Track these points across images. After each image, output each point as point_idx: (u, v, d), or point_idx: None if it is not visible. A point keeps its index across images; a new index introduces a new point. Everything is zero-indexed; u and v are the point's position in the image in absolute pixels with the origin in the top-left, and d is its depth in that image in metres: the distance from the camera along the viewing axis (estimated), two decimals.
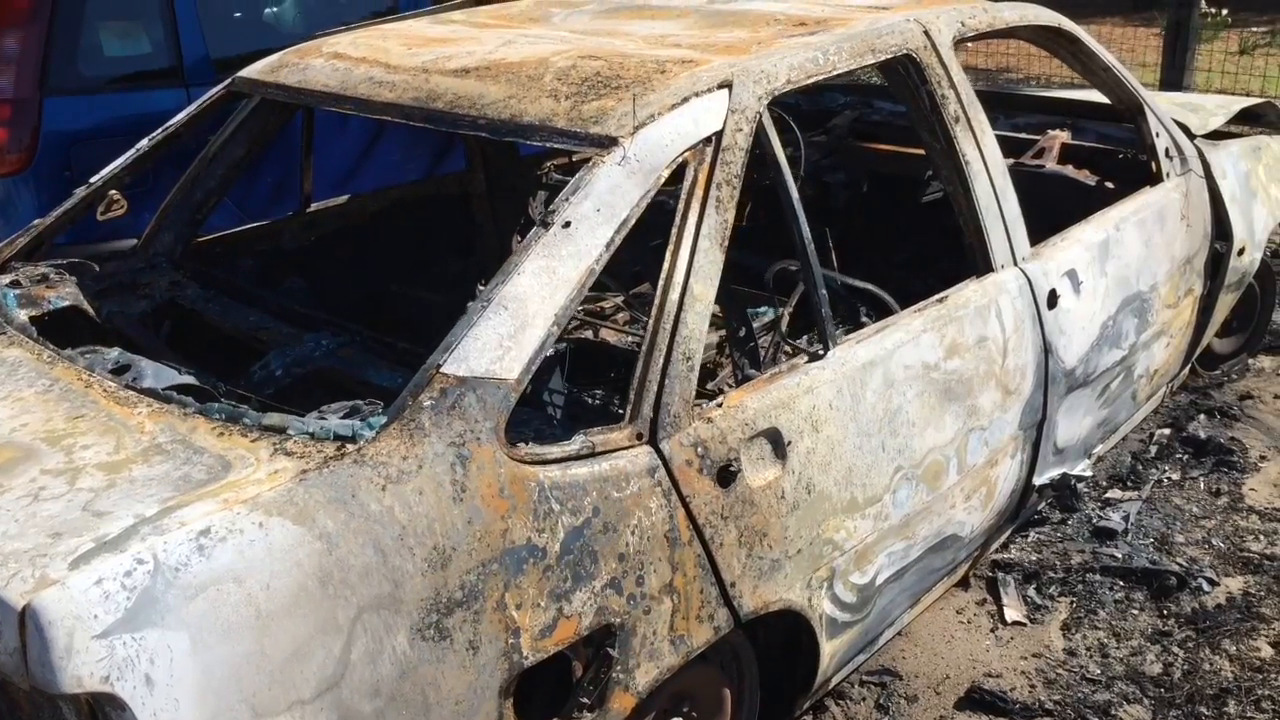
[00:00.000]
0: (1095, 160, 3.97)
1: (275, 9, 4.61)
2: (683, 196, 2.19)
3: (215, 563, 1.58)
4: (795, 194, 2.38)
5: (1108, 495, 3.50)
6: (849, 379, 2.39)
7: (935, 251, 3.87)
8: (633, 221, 2.11)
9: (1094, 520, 3.36)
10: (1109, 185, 3.74)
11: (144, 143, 2.88)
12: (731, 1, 3.18)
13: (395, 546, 1.71)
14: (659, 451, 2.05)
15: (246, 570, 1.59)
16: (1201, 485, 3.55)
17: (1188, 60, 5.80)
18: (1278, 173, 4.17)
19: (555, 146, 2.23)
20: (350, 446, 1.78)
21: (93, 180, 2.83)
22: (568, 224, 2.04)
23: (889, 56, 2.65)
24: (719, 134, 2.26)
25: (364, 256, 3.61)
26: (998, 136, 4.20)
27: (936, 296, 2.68)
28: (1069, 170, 3.88)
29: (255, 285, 3.21)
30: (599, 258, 2.04)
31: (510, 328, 1.92)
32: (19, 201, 3.70)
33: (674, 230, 2.16)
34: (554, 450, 1.93)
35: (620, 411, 2.06)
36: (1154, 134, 3.52)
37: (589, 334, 4.05)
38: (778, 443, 2.25)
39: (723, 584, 2.16)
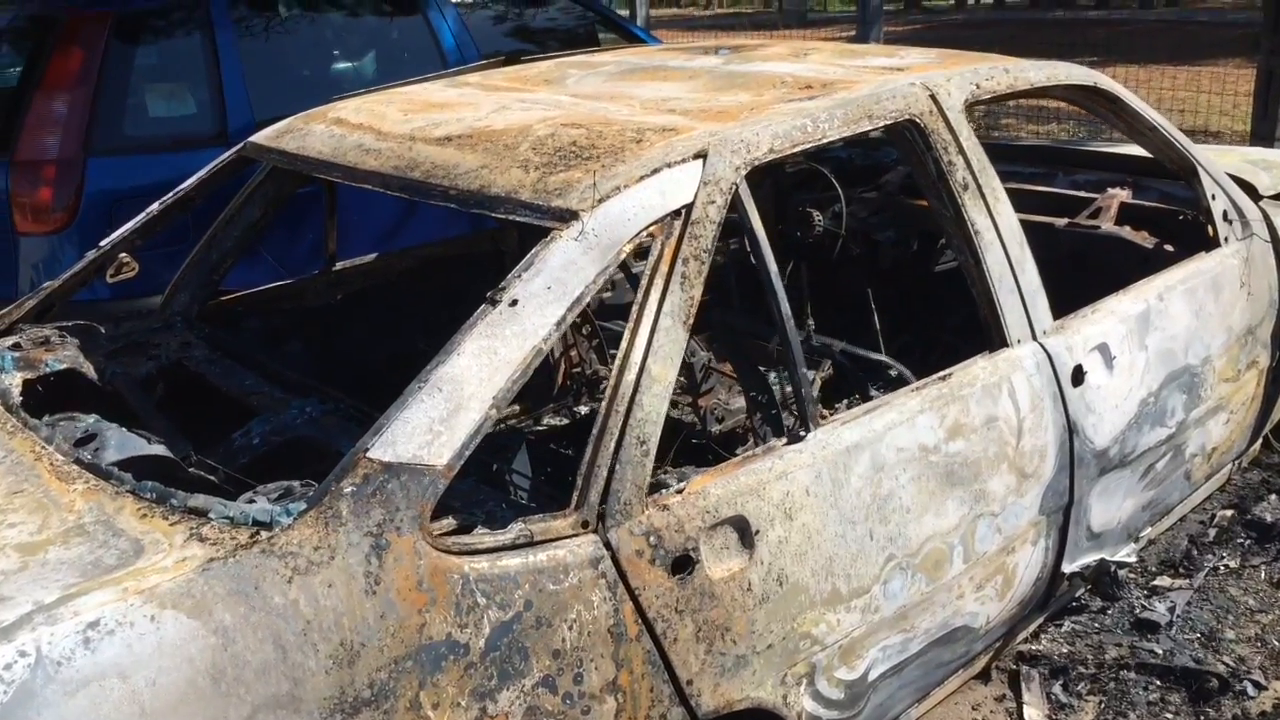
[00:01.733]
0: (1157, 220, 3.74)
1: (338, 65, 4.68)
2: (646, 272, 2.11)
3: (100, 657, 1.54)
4: (773, 267, 2.27)
5: (1155, 582, 3.26)
6: (830, 463, 2.26)
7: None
8: (587, 299, 2.03)
9: (1137, 610, 3.13)
10: (1168, 248, 3.52)
11: (155, 206, 2.92)
12: (750, 63, 3.09)
13: (298, 642, 1.65)
14: (605, 541, 1.96)
15: (133, 665, 1.55)
16: (1262, 574, 3.28)
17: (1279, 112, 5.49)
18: None
19: (519, 220, 2.17)
20: (264, 534, 1.73)
21: (102, 243, 2.88)
22: (515, 302, 1.97)
23: (889, 122, 2.53)
24: (689, 207, 2.18)
25: (391, 316, 3.60)
26: (1054, 195, 4.10)
27: (939, 374, 2.54)
28: (1125, 231, 3.66)
29: (269, 346, 3.23)
30: (547, 337, 1.96)
31: (443, 411, 1.85)
32: (63, 258, 3.80)
33: (635, 307, 2.08)
34: (485, 540, 1.85)
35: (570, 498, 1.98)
36: (1209, 196, 3.31)
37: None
38: (745, 531, 2.13)
39: (677, 681, 2.04)
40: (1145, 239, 3.62)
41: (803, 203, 4.39)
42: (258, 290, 3.38)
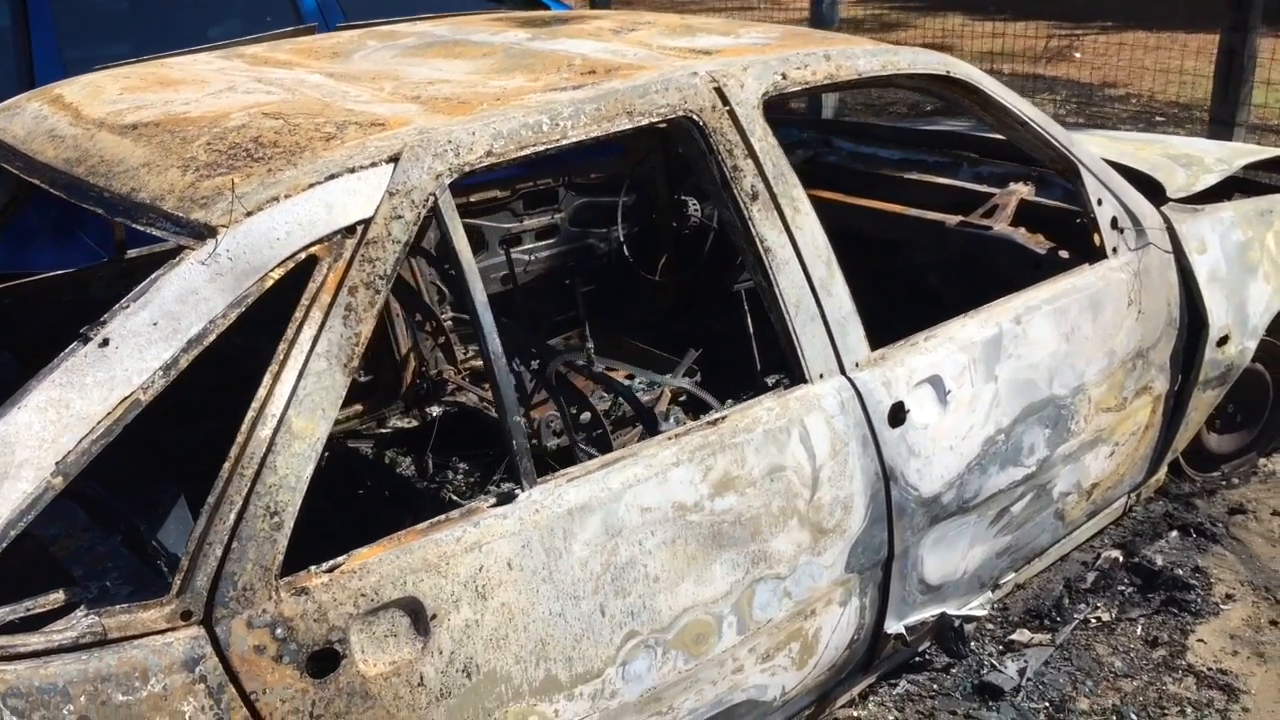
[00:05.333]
0: (1059, 221, 3.32)
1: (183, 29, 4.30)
2: (302, 302, 1.74)
3: None
4: (481, 299, 1.89)
5: (1014, 636, 2.89)
6: (544, 530, 1.90)
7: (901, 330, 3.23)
8: (212, 337, 1.67)
9: (984, 671, 2.76)
10: (1063, 254, 3.11)
11: None
12: (555, 40, 2.69)
13: None
14: (212, 635, 1.61)
15: None
16: (1138, 630, 2.91)
17: (1242, 95, 5.00)
18: None
19: (161, 235, 1.80)
20: None
21: None
22: (106, 342, 1.61)
23: (656, 120, 2.14)
24: (367, 223, 1.80)
25: None
26: (954, 188, 3.68)
27: (707, 418, 2.16)
28: (1019, 235, 3.25)
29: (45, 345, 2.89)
30: (148, 385, 1.61)
31: None
32: None
33: (282, 344, 1.71)
34: (31, 640, 1.51)
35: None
36: (1094, 200, 2.89)
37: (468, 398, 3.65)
38: (418, 616, 1.78)
39: None
40: (1039, 243, 3.20)
41: (685, 189, 4.01)
42: (32, 280, 3.02)
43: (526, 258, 3.94)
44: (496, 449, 3.31)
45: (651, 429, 2.63)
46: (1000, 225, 3.30)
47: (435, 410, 3.72)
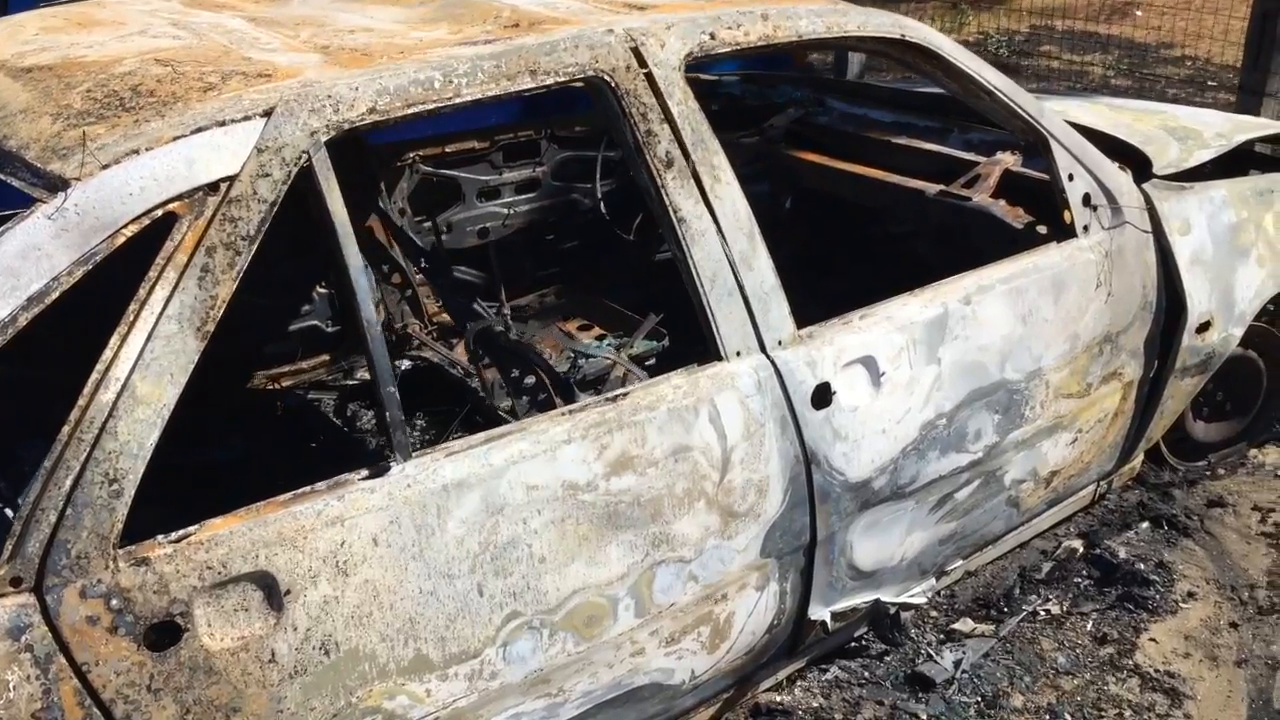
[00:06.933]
0: (1045, 194, 3.17)
1: None
2: (157, 261, 1.67)
3: None
4: (356, 263, 1.81)
5: (955, 626, 2.79)
6: (416, 505, 1.83)
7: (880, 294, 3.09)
8: (53, 296, 1.61)
9: (919, 661, 2.67)
10: (1042, 229, 2.96)
11: None
12: None
13: None
14: (42, 604, 1.57)
15: None
16: (1088, 625, 2.79)
17: (1275, 63, 4.73)
18: None
19: (20, 187, 1.74)
20: None
21: None
22: None
23: (564, 79, 2.03)
24: (231, 180, 1.72)
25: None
26: (941, 155, 3.52)
27: (607, 394, 2.07)
28: (998, 207, 3.10)
29: None
30: None
31: None
32: None
33: (133, 305, 1.65)
34: None
35: None
36: (1065, 175, 2.74)
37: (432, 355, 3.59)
38: (271, 591, 1.72)
39: None
40: (1018, 217, 3.05)
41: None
42: None
43: (505, 211, 3.85)
44: (458, 405, 3.25)
45: (568, 398, 2.55)
46: (980, 196, 3.15)
47: (404, 365, 3.67)
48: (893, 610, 2.64)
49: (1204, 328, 3.02)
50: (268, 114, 1.78)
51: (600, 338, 3.37)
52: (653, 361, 3.14)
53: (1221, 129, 3.34)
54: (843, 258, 3.84)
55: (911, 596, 2.68)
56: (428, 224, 3.63)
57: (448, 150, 3.66)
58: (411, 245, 3.56)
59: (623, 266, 3.96)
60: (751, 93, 4.16)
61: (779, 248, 3.84)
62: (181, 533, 1.68)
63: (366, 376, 3.69)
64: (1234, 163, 3.37)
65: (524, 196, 3.87)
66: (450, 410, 3.40)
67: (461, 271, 3.67)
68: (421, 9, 2.44)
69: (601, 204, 3.78)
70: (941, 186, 3.25)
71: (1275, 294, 3.21)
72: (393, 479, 1.82)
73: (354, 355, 3.65)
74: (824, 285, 3.92)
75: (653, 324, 3.20)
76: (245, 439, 3.30)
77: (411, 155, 3.61)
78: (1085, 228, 2.77)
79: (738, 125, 3.99)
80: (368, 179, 3.51)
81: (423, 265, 3.28)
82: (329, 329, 3.59)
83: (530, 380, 2.93)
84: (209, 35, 2.18)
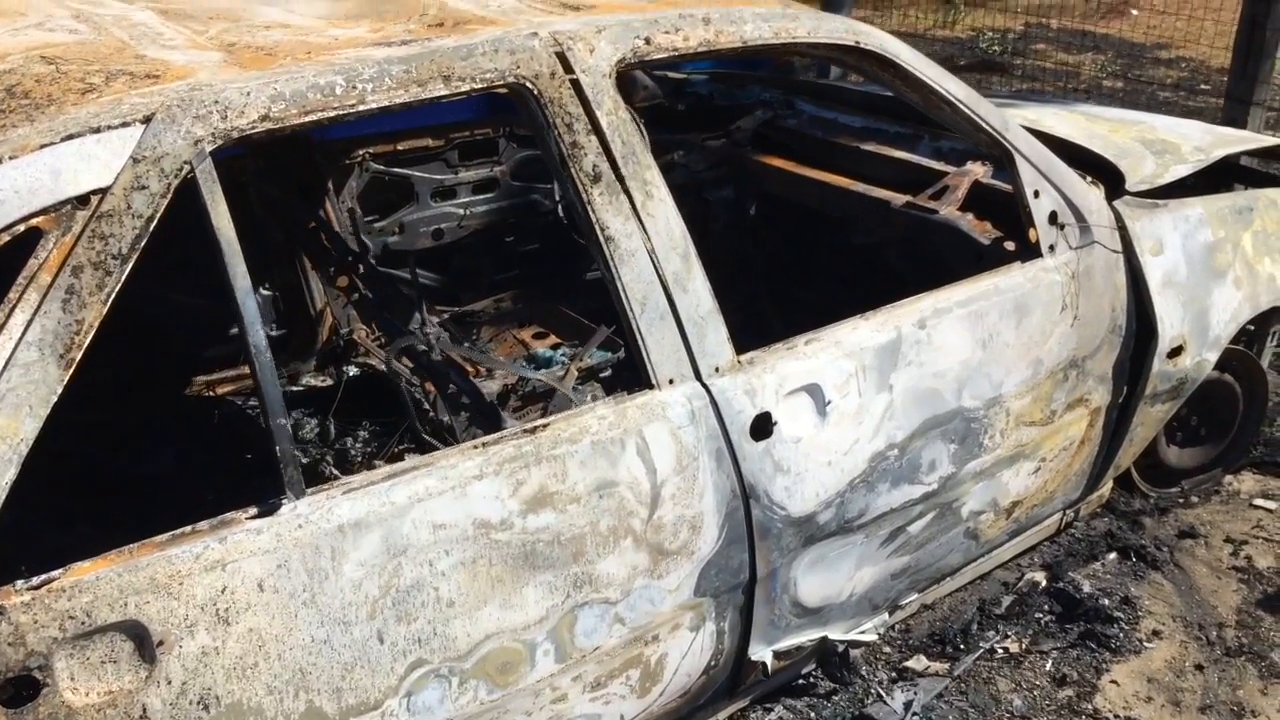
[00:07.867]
0: (1012, 206, 3.03)
1: None
2: (18, 282, 1.53)
3: None
4: (244, 285, 1.67)
5: (909, 663, 2.66)
6: (307, 548, 1.69)
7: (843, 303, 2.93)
8: None
9: (868, 701, 2.54)
10: (1010, 245, 2.82)
11: None
12: None
13: None
14: None
15: None
16: (1048, 665, 2.66)
17: (1262, 71, 4.60)
18: (1277, 242, 3.14)
19: None
20: None
21: None
22: None
23: (478, 87, 1.88)
24: (103, 193, 1.58)
25: None
26: (909, 164, 3.38)
27: (528, 424, 1.94)
28: (964, 221, 2.96)
29: None
30: None
31: None
32: None
33: None
34: None
35: None
36: (1029, 192, 2.61)
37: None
38: (143, 642, 1.58)
39: None
40: (985, 232, 2.91)
41: None
42: None
43: (461, 212, 3.71)
44: (405, 416, 3.11)
45: (492, 425, 2.41)
46: (948, 209, 3.01)
47: (351, 371, 3.53)
48: (841, 648, 2.52)
49: (1176, 352, 2.89)
50: (147, 120, 1.63)
51: (555, 346, 3.24)
52: (608, 373, 3.00)
53: (1200, 142, 3.20)
54: (809, 265, 3.71)
55: (862, 633, 2.56)
56: (379, 224, 3.49)
57: (400, 148, 3.52)
58: (361, 247, 3.42)
59: (583, 271, 3.82)
60: (719, 92, 4.02)
61: (743, 255, 3.72)
62: (43, 578, 1.54)
63: (310, 383, 3.55)
64: (1218, 176, 3.24)
65: (481, 197, 3.72)
66: (396, 422, 3.27)
67: (423, 276, 3.53)
68: (348, 3, 2.30)
69: (560, 207, 3.65)
70: (908, 198, 3.11)
71: (1252, 316, 3.09)
72: (282, 519, 1.68)
73: (296, 361, 3.52)
74: (789, 293, 3.80)
75: (605, 335, 3.07)
76: (177, 450, 3.17)
77: (362, 153, 3.46)
78: (1051, 247, 2.64)
79: (704, 126, 3.86)
80: (314, 177, 3.37)
81: (360, 272, 3.14)
82: (272, 333, 3.45)
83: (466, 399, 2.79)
84: (109, 30, 2.03)
